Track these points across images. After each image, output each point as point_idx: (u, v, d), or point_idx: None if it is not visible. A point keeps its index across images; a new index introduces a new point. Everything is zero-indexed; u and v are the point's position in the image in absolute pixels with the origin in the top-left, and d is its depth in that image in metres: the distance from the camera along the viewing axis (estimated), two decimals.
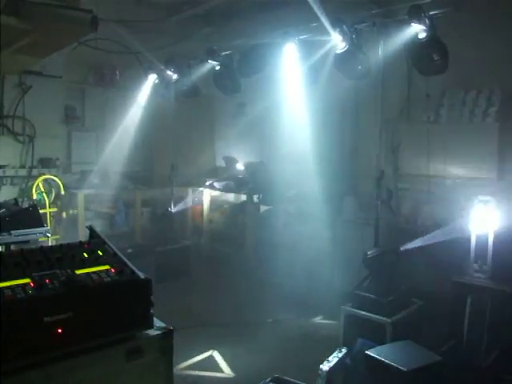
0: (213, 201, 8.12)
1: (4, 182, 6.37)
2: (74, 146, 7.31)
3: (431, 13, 4.26)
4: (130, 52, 7.48)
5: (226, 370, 4.37)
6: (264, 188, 7.07)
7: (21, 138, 6.50)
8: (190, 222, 8.20)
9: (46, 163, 6.67)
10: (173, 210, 7.08)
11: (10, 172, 6.37)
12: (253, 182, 7.27)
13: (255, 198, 7.17)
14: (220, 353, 4.64)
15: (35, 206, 4.02)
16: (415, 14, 4.19)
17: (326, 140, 6.85)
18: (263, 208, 7.22)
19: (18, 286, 1.48)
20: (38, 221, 3.78)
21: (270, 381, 3.38)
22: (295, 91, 6.25)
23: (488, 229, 4.02)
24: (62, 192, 6.69)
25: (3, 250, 3.32)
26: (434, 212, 5.60)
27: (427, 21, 4.21)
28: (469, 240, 4.17)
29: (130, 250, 6.32)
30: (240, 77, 6.27)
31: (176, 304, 5.56)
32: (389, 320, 3.91)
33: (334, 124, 6.75)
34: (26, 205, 5.67)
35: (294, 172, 7.11)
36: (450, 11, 4.34)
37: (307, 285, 6.19)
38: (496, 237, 3.99)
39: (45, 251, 1.74)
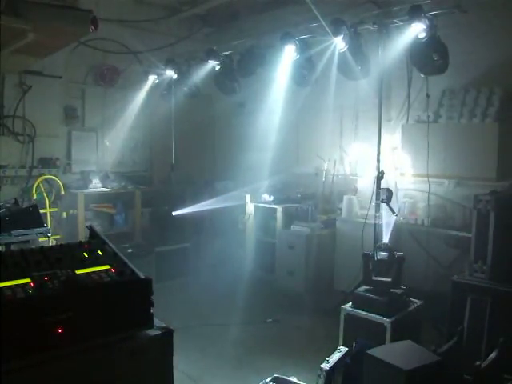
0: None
1: (4, 182, 6.35)
2: (74, 146, 7.28)
3: (431, 13, 4.26)
4: (130, 52, 7.49)
5: None
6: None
7: (21, 138, 6.49)
8: (190, 222, 8.18)
9: (46, 163, 6.65)
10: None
11: (10, 172, 6.36)
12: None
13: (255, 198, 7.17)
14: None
15: (35, 206, 4.00)
16: (415, 14, 4.19)
17: (325, 140, 6.86)
18: (263, 208, 7.20)
19: (17, 286, 1.47)
20: (38, 221, 3.77)
21: (270, 381, 3.38)
22: (295, 91, 6.25)
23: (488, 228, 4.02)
24: (62, 192, 6.68)
25: (3, 249, 3.31)
26: (434, 212, 5.61)
27: (427, 21, 4.22)
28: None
29: (130, 250, 6.32)
30: (240, 77, 6.27)
31: (176, 304, 5.56)
32: (389, 320, 3.91)
33: (333, 124, 6.75)
34: (25, 205, 5.66)
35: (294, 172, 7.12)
36: (450, 11, 4.34)
37: (307, 285, 6.20)
38: (495, 236, 3.99)
39: (45, 251, 1.73)
